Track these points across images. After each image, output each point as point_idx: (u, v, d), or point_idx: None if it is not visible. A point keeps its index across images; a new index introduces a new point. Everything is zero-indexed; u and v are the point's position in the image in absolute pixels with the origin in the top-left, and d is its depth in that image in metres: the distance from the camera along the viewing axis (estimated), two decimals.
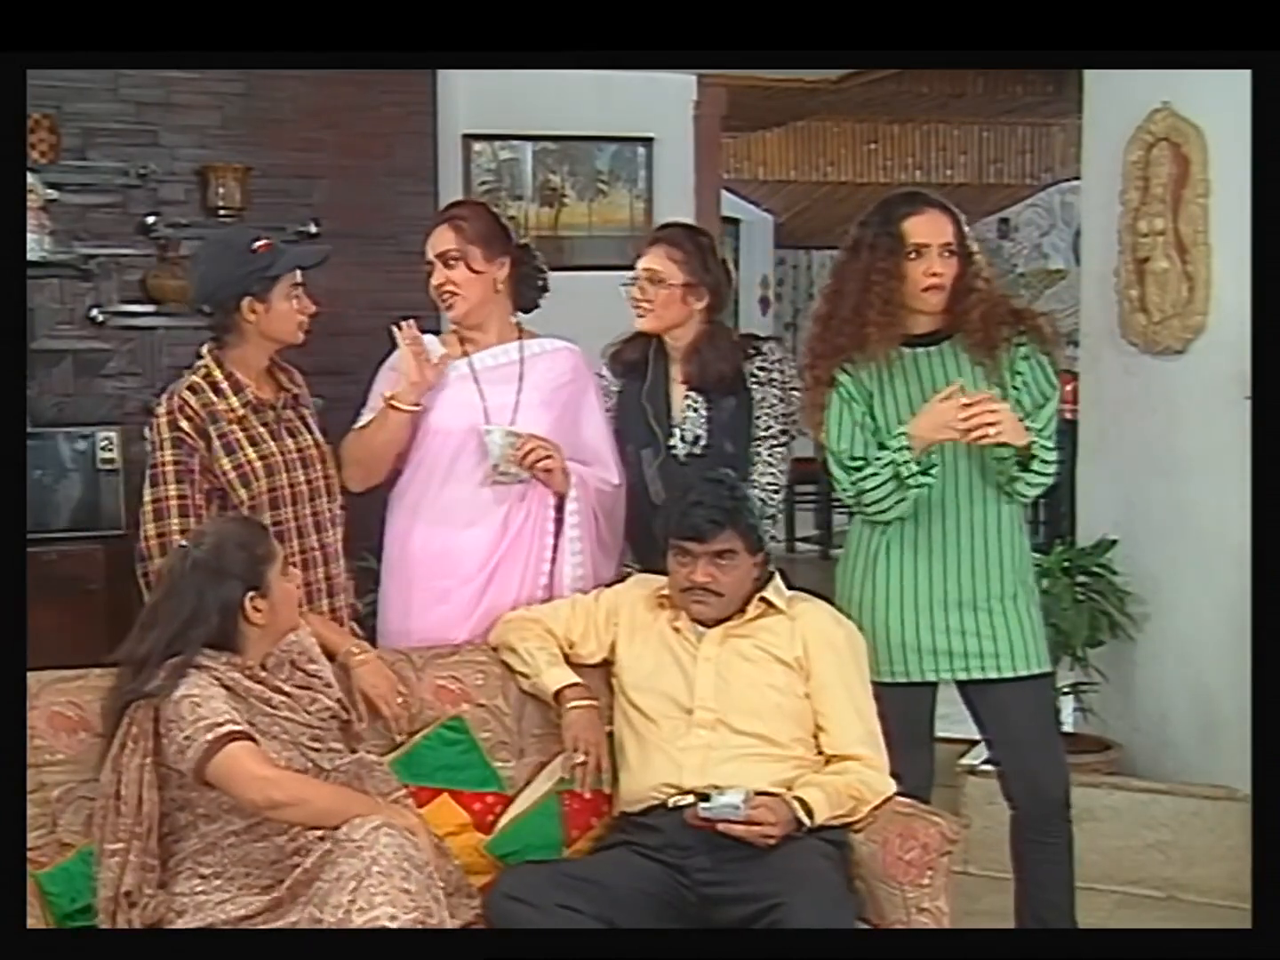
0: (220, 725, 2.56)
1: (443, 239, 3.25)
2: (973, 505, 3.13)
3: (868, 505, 3.09)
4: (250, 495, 3.07)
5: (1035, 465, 3.04)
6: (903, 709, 3.06)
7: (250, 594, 2.70)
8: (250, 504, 3.06)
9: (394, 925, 2.36)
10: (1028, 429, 3.02)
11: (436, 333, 3.37)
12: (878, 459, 3.05)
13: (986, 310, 3.08)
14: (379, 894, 2.38)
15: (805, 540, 9.65)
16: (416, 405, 3.21)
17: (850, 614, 3.13)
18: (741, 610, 3.01)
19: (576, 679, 3.03)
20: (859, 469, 3.09)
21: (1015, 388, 3.11)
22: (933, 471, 3.03)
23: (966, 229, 3.11)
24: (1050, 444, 3.07)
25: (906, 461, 3.00)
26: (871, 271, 3.05)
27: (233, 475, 3.07)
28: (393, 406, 3.19)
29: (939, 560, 3.13)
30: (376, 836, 2.46)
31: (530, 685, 3.07)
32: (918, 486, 3.03)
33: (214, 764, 2.55)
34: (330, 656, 2.98)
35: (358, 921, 2.36)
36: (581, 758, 2.94)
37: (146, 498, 3.05)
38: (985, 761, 3.91)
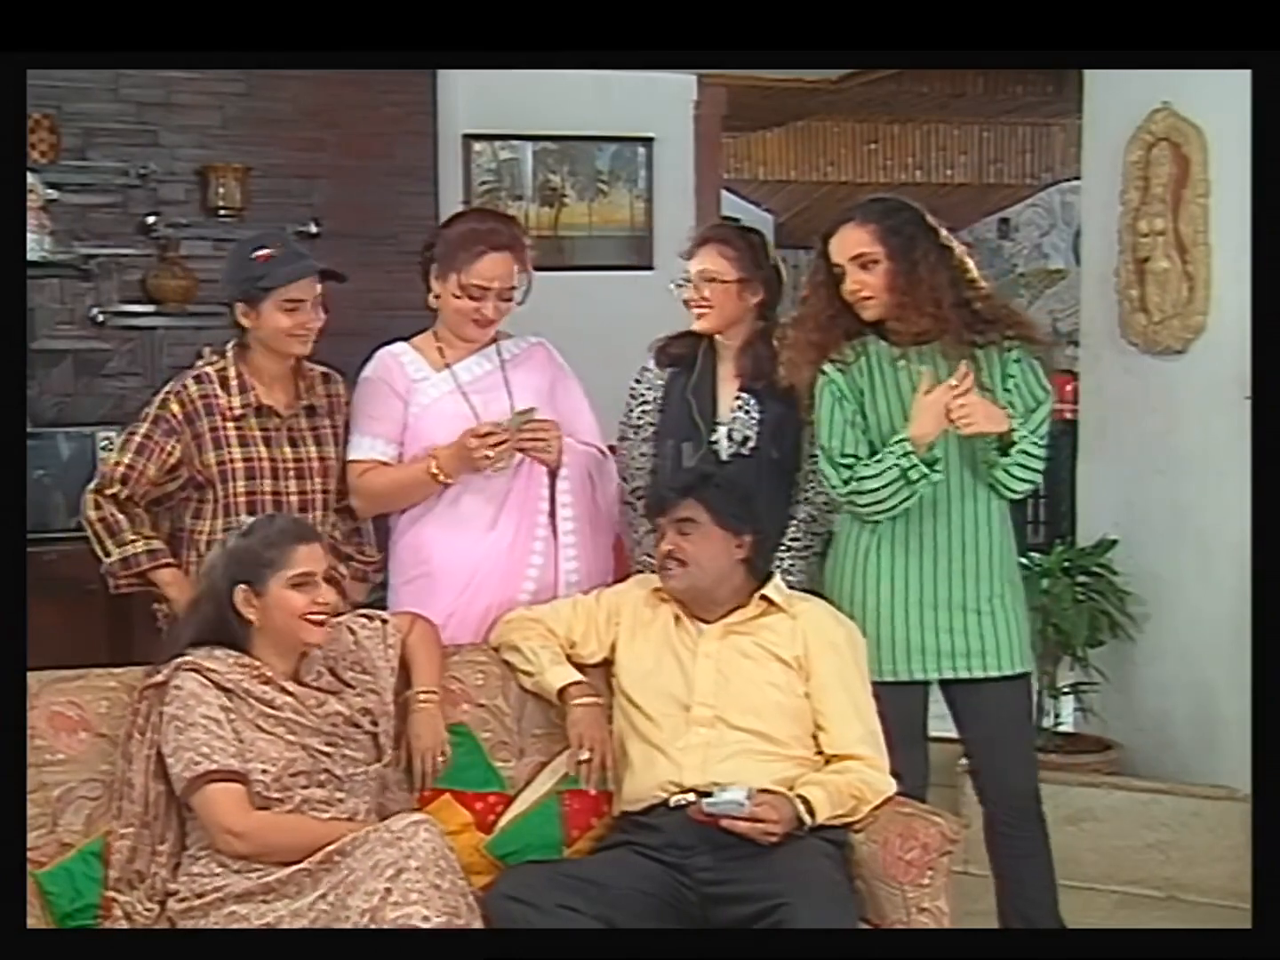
0: (197, 764, 2.59)
1: (509, 268, 3.20)
2: (963, 503, 3.13)
3: (866, 505, 3.09)
4: (226, 494, 3.11)
5: (1017, 455, 3.04)
6: (894, 708, 3.05)
7: (243, 586, 2.71)
8: (225, 502, 3.11)
9: (426, 926, 2.37)
10: (1018, 432, 3.03)
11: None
12: (877, 460, 3.06)
13: (963, 313, 3.07)
14: (414, 890, 2.40)
15: None
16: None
17: (840, 611, 3.13)
18: (742, 607, 3.01)
19: (580, 676, 3.03)
20: (849, 466, 3.10)
21: (1007, 390, 3.11)
22: (937, 466, 3.04)
23: (901, 227, 3.06)
24: (1040, 443, 3.07)
25: (914, 466, 3.01)
26: (814, 286, 3.17)
27: (214, 470, 3.11)
28: (436, 479, 3.14)
29: (929, 559, 3.13)
30: (416, 830, 2.48)
31: (534, 684, 3.06)
32: (928, 484, 3.04)
33: (193, 800, 2.61)
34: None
35: (390, 915, 2.37)
36: (587, 755, 2.94)
37: (110, 457, 3.16)
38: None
